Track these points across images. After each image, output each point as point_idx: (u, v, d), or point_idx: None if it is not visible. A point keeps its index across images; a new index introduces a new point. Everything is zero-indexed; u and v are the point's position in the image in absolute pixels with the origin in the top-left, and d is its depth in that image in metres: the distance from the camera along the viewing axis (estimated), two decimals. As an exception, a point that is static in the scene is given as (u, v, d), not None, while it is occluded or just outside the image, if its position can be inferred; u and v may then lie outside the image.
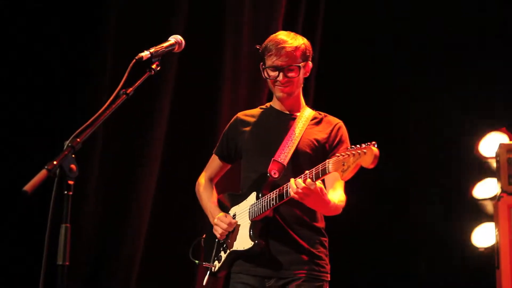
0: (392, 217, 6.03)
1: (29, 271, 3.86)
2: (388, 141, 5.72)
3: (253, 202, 3.22)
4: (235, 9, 5.18)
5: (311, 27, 5.77)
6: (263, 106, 3.50)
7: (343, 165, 2.75)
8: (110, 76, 4.44)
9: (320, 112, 3.43)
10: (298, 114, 3.38)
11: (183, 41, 2.76)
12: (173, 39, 2.73)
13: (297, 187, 2.92)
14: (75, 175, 2.19)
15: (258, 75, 4.92)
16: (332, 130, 3.33)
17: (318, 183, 2.95)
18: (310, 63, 3.35)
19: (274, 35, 3.33)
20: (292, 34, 3.33)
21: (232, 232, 3.30)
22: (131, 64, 2.45)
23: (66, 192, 2.17)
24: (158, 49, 2.59)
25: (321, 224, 3.33)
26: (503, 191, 5.25)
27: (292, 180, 2.99)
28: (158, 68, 2.56)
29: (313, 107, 3.51)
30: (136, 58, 2.50)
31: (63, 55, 4.46)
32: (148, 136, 4.79)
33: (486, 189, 5.91)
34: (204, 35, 5.03)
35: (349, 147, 2.78)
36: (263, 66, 3.31)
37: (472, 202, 5.94)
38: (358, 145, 2.72)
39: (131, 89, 2.43)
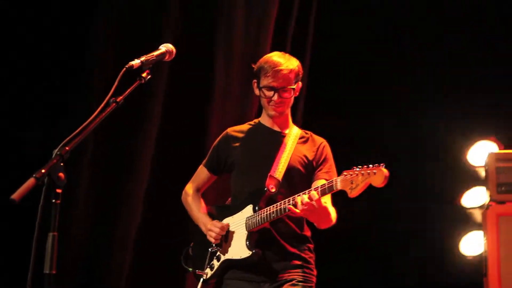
0: (379, 225, 6.04)
1: (16, 279, 3.84)
2: (377, 148, 5.78)
3: (250, 215, 3.39)
4: (227, 18, 5.20)
5: (302, 32, 5.78)
6: (251, 123, 3.68)
7: (352, 183, 2.97)
8: (101, 82, 4.43)
9: (306, 131, 3.62)
10: (287, 132, 3.57)
11: (174, 50, 2.77)
12: (164, 47, 2.73)
13: (302, 204, 3.11)
14: (63, 183, 2.19)
15: (248, 79, 4.90)
16: (318, 149, 3.53)
17: (323, 200, 3.14)
18: (300, 83, 3.54)
19: (269, 55, 3.53)
20: (287, 55, 3.52)
21: (226, 241, 3.46)
22: (121, 73, 2.46)
23: (54, 200, 2.17)
24: (148, 58, 2.60)
25: (307, 233, 3.53)
26: (491, 199, 5.28)
27: (298, 197, 3.16)
28: (149, 77, 2.57)
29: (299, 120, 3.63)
30: (127, 66, 2.51)
31: (52, 60, 4.45)
32: (138, 142, 4.78)
33: (474, 197, 5.94)
34: (196, 38, 5.03)
35: (355, 167, 2.99)
36: (259, 85, 3.50)
37: (460, 211, 5.96)
38: (365, 166, 2.95)
39: (121, 97, 2.44)
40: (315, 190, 3.13)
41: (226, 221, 3.50)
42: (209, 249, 3.51)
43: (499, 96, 5.88)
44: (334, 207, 3.40)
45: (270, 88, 3.45)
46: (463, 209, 5.97)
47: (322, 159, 3.51)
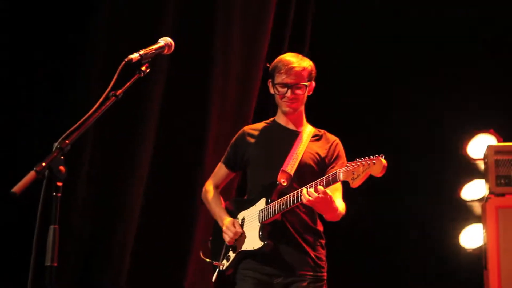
0: (377, 216, 6.06)
1: (17, 272, 3.85)
2: (377, 142, 5.79)
3: (263, 207, 3.55)
4: (226, 16, 5.21)
5: (300, 30, 5.79)
6: (267, 121, 3.82)
7: (353, 174, 3.15)
8: (100, 77, 4.42)
9: (320, 130, 3.76)
10: (300, 130, 3.71)
11: (173, 43, 2.77)
12: (162, 41, 2.74)
13: (309, 195, 3.27)
14: (64, 176, 2.20)
15: (247, 76, 4.93)
16: (330, 146, 3.68)
17: (328, 191, 3.28)
18: (313, 83, 3.68)
19: (283, 56, 3.69)
20: (300, 56, 3.68)
21: (241, 235, 3.62)
22: (120, 66, 2.46)
23: (54, 193, 2.18)
24: (147, 51, 2.60)
25: (320, 227, 3.67)
26: (490, 192, 5.29)
27: (304, 189, 3.33)
28: (148, 70, 2.57)
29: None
30: (126, 60, 2.50)
31: (52, 54, 4.45)
32: (138, 134, 4.79)
33: (474, 190, 5.95)
34: (194, 36, 5.03)
35: (357, 159, 3.16)
36: (273, 83, 3.65)
37: (460, 204, 5.97)
38: (366, 157, 3.13)
39: (120, 91, 2.44)
40: (320, 181, 3.28)
41: (241, 214, 3.67)
42: (225, 242, 3.68)
43: (498, 89, 5.88)
44: (344, 201, 3.54)
45: (283, 85, 3.60)
46: (463, 202, 5.99)
47: (334, 156, 3.65)
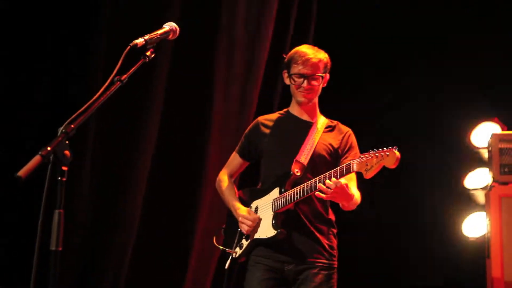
0: (382, 206, 6.05)
1: (22, 257, 3.87)
2: (380, 131, 5.78)
3: (276, 196, 3.61)
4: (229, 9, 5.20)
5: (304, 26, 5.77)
6: (281, 112, 3.88)
7: (366, 165, 3.21)
8: (105, 62, 4.42)
9: (333, 121, 3.83)
10: (314, 121, 3.78)
11: (178, 29, 2.77)
12: (167, 26, 2.74)
13: (326, 185, 3.31)
14: (69, 161, 2.21)
15: (252, 69, 4.90)
16: (343, 137, 3.76)
17: (343, 180, 3.36)
18: (328, 75, 3.75)
19: (299, 47, 3.75)
20: (316, 48, 3.74)
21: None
22: (125, 51, 2.46)
23: (59, 178, 2.18)
24: (152, 36, 2.61)
25: (332, 216, 3.74)
26: (494, 180, 5.28)
27: (317, 179, 3.39)
28: (153, 55, 2.58)
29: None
30: (131, 45, 2.51)
31: (57, 39, 4.43)
32: (142, 120, 4.78)
33: (477, 179, 5.94)
34: (198, 27, 5.02)
35: (371, 150, 3.23)
36: (289, 74, 3.72)
37: (463, 192, 5.96)
38: (380, 149, 3.19)
39: (125, 76, 2.45)
40: (333, 172, 3.34)
41: (255, 203, 3.73)
42: (239, 229, 3.75)
43: (503, 77, 5.86)
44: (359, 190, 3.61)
45: (300, 75, 3.68)
46: (466, 190, 5.97)
47: (347, 147, 3.72)
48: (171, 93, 4.93)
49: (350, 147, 3.74)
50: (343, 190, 3.34)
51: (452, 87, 5.95)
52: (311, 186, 3.43)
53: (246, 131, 3.92)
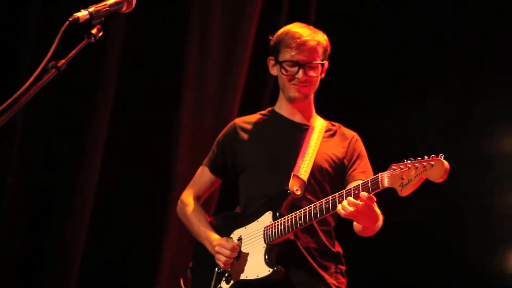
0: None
1: None
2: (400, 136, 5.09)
3: (268, 223, 2.94)
4: None
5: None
6: (264, 112, 3.25)
7: (402, 179, 2.58)
8: (36, 43, 3.74)
9: (334, 123, 3.21)
10: (310, 123, 3.16)
11: (134, -1, 2.27)
12: (120, -6, 2.26)
13: (349, 205, 2.66)
14: None
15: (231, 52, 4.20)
16: (349, 144, 3.13)
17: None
18: (327, 63, 3.13)
19: (290, 26, 3.12)
20: (311, 27, 3.13)
21: (237, 258, 3.02)
22: (63, 28, 2.00)
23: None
24: (99, 8, 2.09)
25: (339, 248, 3.11)
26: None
27: (338, 195, 2.76)
28: (100, 34, 2.10)
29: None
30: (70, 19, 2.03)
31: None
32: (87, 123, 4.09)
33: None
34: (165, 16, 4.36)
35: (405, 160, 2.62)
36: (278, 61, 3.08)
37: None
38: (418, 158, 2.61)
39: (63, 61, 1.99)
40: (354, 190, 2.68)
41: (237, 233, 3.04)
42: (215, 269, 3.05)
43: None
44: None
45: (293, 63, 3.03)
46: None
47: (355, 156, 3.09)
48: (124, 88, 4.17)
49: (359, 156, 3.10)
50: (371, 208, 2.66)
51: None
52: (326, 206, 2.75)
53: (219, 136, 3.25)
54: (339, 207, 2.68)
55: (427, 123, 4.95)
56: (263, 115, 3.22)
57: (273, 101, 3.25)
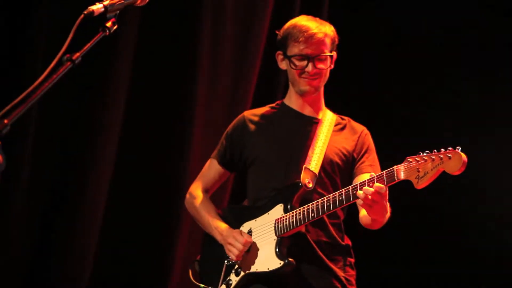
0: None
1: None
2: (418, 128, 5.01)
3: (280, 216, 2.93)
4: None
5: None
6: (273, 105, 3.25)
7: (418, 171, 2.57)
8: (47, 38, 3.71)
9: (343, 117, 3.22)
10: (320, 116, 3.16)
11: (149, -9, 2.28)
12: (135, -13, 2.26)
13: (366, 193, 2.65)
14: (1, 168, 1.84)
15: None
16: (359, 138, 3.13)
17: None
18: (335, 53, 3.13)
19: (296, 20, 3.12)
20: (318, 19, 3.13)
21: (248, 251, 3.00)
22: (78, 21, 2.01)
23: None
24: (114, 1, 2.11)
25: (348, 241, 3.11)
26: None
27: (352, 188, 2.77)
28: (115, 27, 2.11)
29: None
30: (85, 13, 2.04)
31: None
32: (99, 122, 4.06)
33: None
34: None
35: (421, 152, 2.61)
36: (286, 55, 3.09)
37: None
38: (435, 150, 2.60)
39: (78, 54, 1.99)
40: (368, 182, 2.67)
41: (246, 225, 3.04)
42: (225, 262, 3.03)
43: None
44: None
45: (302, 57, 3.03)
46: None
47: (364, 149, 3.09)
48: (138, 83, 4.15)
49: (367, 150, 3.10)
50: (385, 199, 2.67)
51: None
52: (340, 199, 2.74)
53: (228, 129, 3.24)
54: (359, 192, 2.66)
55: (443, 116, 4.89)
56: (273, 108, 3.22)
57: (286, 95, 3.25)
